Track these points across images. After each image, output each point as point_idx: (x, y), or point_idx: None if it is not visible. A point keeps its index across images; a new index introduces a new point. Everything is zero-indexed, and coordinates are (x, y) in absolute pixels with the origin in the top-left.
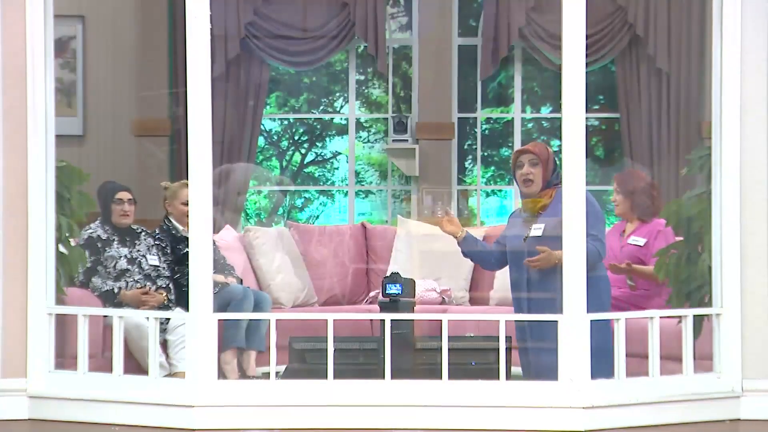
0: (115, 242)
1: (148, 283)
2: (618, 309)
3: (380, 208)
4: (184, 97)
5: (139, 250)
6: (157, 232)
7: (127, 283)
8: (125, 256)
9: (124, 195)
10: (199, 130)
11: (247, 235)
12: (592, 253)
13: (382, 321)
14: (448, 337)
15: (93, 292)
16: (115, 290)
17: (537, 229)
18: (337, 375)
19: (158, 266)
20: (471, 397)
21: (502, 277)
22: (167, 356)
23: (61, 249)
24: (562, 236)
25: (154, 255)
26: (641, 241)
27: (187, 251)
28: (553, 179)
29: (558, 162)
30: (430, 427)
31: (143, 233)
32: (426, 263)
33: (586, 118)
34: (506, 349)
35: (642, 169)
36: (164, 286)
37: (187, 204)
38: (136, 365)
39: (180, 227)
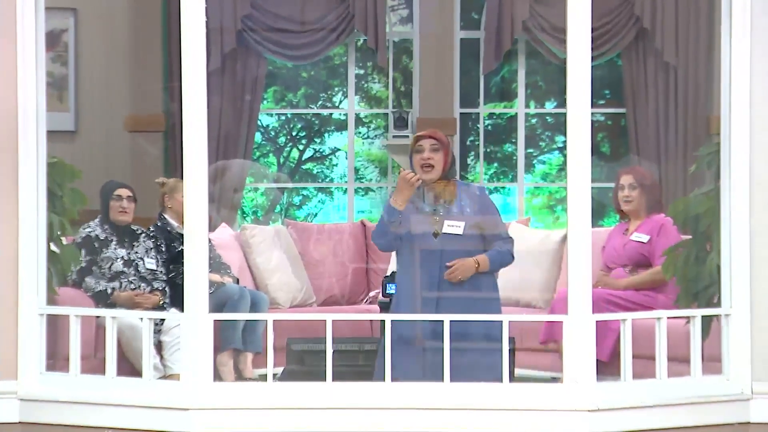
0: (113, 243)
1: (143, 284)
2: (625, 309)
3: (380, 205)
4: (179, 91)
5: (137, 252)
6: (151, 229)
7: (121, 284)
8: (122, 257)
9: (123, 192)
10: (195, 126)
11: (243, 234)
12: (511, 254)
13: (382, 322)
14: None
15: (86, 292)
16: (109, 291)
17: (454, 227)
18: (336, 377)
19: (155, 270)
20: (473, 399)
21: (504, 278)
22: (162, 358)
23: (53, 248)
24: (481, 235)
25: (152, 258)
26: (644, 238)
27: (183, 249)
28: (451, 171)
29: (455, 156)
30: (431, 429)
31: (143, 234)
32: None
33: (592, 113)
34: (510, 350)
35: (649, 165)
36: (160, 288)
37: None
38: (129, 367)
39: (175, 224)
